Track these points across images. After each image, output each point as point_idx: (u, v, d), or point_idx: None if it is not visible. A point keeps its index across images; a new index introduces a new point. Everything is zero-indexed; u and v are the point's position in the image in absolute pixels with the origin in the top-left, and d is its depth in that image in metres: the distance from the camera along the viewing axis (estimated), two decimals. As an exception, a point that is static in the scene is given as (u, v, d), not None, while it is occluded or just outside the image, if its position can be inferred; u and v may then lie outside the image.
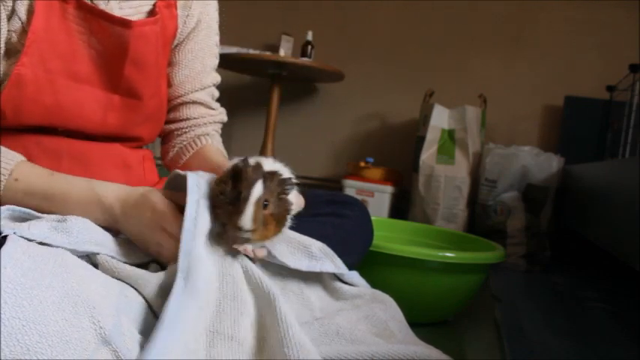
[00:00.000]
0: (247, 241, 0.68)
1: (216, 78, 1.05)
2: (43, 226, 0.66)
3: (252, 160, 0.71)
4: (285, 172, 0.74)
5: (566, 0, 2.71)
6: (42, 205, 0.73)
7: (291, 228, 0.83)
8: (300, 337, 0.62)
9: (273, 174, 0.69)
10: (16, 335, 0.50)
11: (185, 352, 0.59)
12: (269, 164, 0.73)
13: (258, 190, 0.66)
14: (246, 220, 0.65)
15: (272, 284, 0.69)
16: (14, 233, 0.62)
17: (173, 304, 0.61)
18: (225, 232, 0.69)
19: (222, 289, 0.67)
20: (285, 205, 0.71)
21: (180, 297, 0.62)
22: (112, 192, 0.74)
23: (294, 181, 0.73)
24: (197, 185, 0.71)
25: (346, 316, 0.78)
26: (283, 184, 0.70)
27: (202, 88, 1.01)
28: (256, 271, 0.70)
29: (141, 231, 0.72)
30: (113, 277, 0.67)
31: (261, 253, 0.72)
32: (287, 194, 0.71)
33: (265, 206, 0.67)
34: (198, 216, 0.69)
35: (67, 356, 0.52)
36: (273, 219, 0.69)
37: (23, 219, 0.69)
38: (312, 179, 3.02)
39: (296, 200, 0.78)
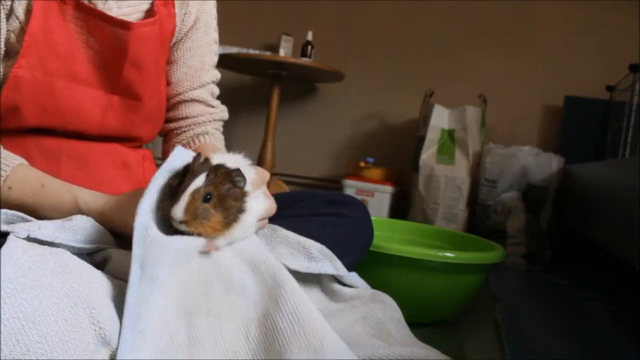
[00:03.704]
0: (184, 233, 0.66)
1: (216, 75, 1.04)
2: (51, 226, 0.66)
3: (209, 157, 0.70)
4: (248, 171, 0.71)
5: (566, 0, 2.71)
6: (34, 214, 0.72)
7: (291, 228, 0.83)
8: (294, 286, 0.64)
9: (218, 167, 0.68)
10: (15, 335, 0.50)
11: (161, 336, 0.59)
12: (222, 159, 0.70)
13: (198, 182, 0.65)
14: (178, 210, 0.64)
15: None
16: (29, 235, 0.62)
17: (131, 297, 0.59)
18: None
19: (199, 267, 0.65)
20: (235, 201, 0.68)
21: (137, 288, 0.60)
22: (95, 204, 0.73)
23: (246, 172, 0.70)
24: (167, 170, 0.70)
25: (343, 318, 0.78)
26: (229, 177, 0.67)
27: (201, 85, 1.00)
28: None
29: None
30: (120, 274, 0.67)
31: (212, 246, 0.68)
32: (238, 187, 0.68)
33: (208, 199, 0.65)
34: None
35: (67, 356, 0.52)
36: (219, 212, 0.66)
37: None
38: (312, 179, 3.02)
39: (267, 205, 0.76)
